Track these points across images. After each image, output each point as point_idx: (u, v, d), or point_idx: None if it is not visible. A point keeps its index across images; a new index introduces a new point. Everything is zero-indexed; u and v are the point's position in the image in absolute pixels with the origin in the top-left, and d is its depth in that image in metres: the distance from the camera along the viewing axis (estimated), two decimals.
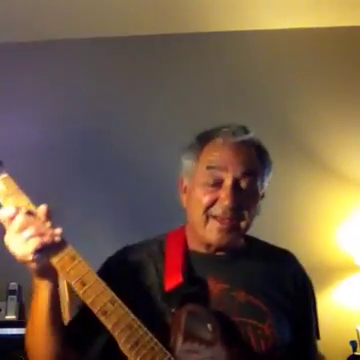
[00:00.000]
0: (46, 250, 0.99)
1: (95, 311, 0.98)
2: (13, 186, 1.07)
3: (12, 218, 1.00)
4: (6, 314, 2.71)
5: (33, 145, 3.16)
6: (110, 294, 0.99)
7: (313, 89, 3.26)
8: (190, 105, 3.24)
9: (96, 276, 1.00)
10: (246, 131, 1.24)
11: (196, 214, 1.19)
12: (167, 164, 2.77)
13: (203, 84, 3.27)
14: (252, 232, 1.31)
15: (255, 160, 1.22)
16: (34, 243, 0.97)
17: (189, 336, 1.04)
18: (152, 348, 0.99)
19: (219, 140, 1.21)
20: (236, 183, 1.17)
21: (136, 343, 0.98)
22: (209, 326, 1.05)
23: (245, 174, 1.18)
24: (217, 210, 1.16)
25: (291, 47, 3.36)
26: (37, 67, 3.31)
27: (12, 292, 2.78)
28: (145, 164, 2.97)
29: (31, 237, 0.98)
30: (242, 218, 1.19)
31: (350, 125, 3.19)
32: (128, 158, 3.05)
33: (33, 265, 1.00)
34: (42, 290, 1.04)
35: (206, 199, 1.17)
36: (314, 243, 2.94)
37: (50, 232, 1.00)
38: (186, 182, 1.26)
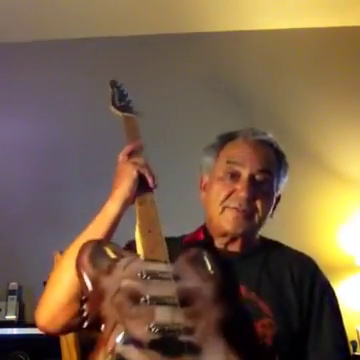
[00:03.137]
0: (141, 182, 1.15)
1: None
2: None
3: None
4: (6, 314, 2.71)
5: (33, 145, 3.16)
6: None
7: (313, 89, 3.26)
8: (190, 104, 3.24)
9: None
10: (265, 133, 1.33)
11: (214, 205, 1.26)
12: (166, 162, 2.79)
13: (202, 83, 3.27)
14: None
15: (272, 159, 1.29)
16: (144, 169, 1.16)
17: (191, 264, 1.08)
18: (156, 243, 1.07)
19: (240, 138, 1.30)
20: (252, 178, 1.24)
21: (149, 232, 1.09)
22: (211, 272, 1.09)
23: (261, 171, 1.25)
24: (233, 201, 1.23)
25: (291, 47, 3.36)
26: (37, 67, 3.31)
27: (12, 292, 2.79)
28: None
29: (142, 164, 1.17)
30: (256, 210, 1.24)
31: (350, 125, 3.19)
32: None
33: (132, 174, 1.15)
34: (115, 201, 1.15)
35: (224, 192, 1.24)
36: (314, 243, 2.93)
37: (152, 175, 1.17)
38: (205, 179, 1.33)
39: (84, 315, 0.95)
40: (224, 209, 1.24)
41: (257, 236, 1.31)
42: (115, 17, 3.18)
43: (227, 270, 1.14)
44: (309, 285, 1.24)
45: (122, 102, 1.47)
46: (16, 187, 3.09)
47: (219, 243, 1.28)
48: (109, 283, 0.98)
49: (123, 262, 1.01)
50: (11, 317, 2.70)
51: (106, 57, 3.28)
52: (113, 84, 1.56)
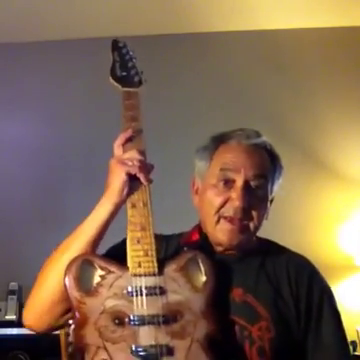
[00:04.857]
0: (134, 179, 1.10)
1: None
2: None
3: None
4: (6, 314, 2.71)
5: (33, 145, 3.16)
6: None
7: (313, 89, 3.26)
8: (190, 104, 3.24)
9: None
10: (259, 135, 1.25)
11: (208, 215, 1.21)
12: (165, 162, 2.78)
13: (202, 83, 3.27)
14: None
15: (267, 163, 1.23)
16: (134, 168, 1.10)
17: (183, 270, 1.06)
18: (145, 254, 1.05)
19: (233, 142, 1.23)
20: (247, 184, 1.18)
21: (138, 242, 1.06)
22: (204, 277, 1.06)
23: (256, 176, 1.19)
24: (228, 211, 1.18)
25: (291, 47, 3.37)
26: (37, 67, 3.32)
27: (12, 292, 2.79)
28: None
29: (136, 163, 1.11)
30: (251, 219, 1.19)
31: (350, 125, 3.19)
32: None
33: (121, 177, 1.10)
34: (104, 205, 1.12)
35: (218, 200, 1.19)
36: (313, 243, 2.94)
37: (147, 171, 1.12)
38: (198, 183, 1.27)
39: (69, 340, 0.98)
40: (219, 219, 1.19)
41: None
42: (115, 17, 3.18)
43: (223, 272, 1.12)
44: (306, 288, 1.19)
45: (123, 71, 1.34)
46: (16, 187, 3.09)
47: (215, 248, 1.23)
48: (94, 304, 0.99)
49: (110, 279, 1.02)
50: (11, 317, 2.70)
51: (106, 57, 3.27)
52: (115, 46, 1.38)
